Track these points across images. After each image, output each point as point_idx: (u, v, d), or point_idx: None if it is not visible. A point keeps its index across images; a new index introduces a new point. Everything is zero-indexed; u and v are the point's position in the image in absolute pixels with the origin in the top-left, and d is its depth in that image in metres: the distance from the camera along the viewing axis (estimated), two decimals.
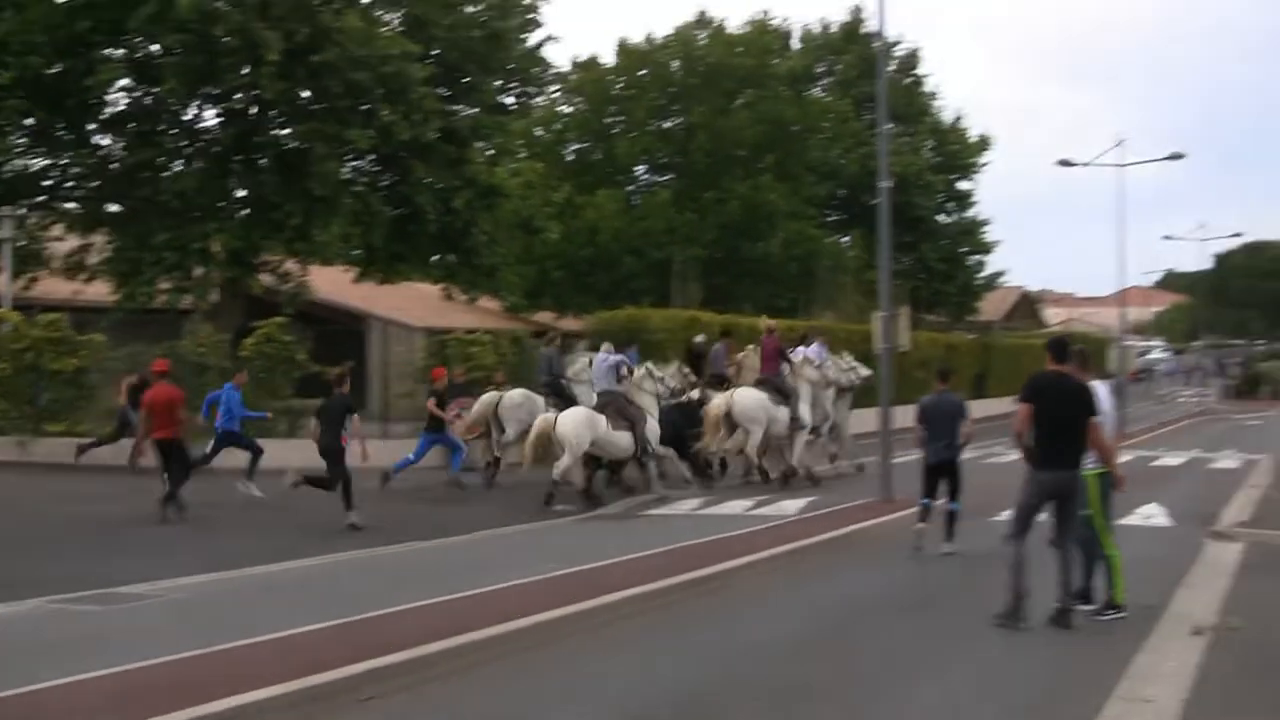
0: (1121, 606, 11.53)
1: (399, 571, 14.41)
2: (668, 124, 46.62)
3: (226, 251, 30.04)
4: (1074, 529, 11.38)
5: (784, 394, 23.63)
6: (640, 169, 47.97)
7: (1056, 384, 11.38)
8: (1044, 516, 11.41)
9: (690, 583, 13.13)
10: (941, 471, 15.82)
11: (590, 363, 23.13)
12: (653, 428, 21.86)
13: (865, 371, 25.36)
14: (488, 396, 24.59)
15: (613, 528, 18.76)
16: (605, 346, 23.04)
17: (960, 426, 15.76)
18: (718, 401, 22.94)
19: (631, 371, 22.17)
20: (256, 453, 21.71)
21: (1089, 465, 11.50)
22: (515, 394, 24.26)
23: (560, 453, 20.60)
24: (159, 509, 18.19)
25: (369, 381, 31.08)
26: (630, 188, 47.28)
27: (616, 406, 21.50)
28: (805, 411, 23.80)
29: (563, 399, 23.45)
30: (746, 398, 22.99)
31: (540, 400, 23.87)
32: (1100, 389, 11.76)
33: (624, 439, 21.40)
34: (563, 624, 11.08)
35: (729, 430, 22.82)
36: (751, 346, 25.61)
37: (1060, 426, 11.20)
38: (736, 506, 20.41)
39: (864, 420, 36.60)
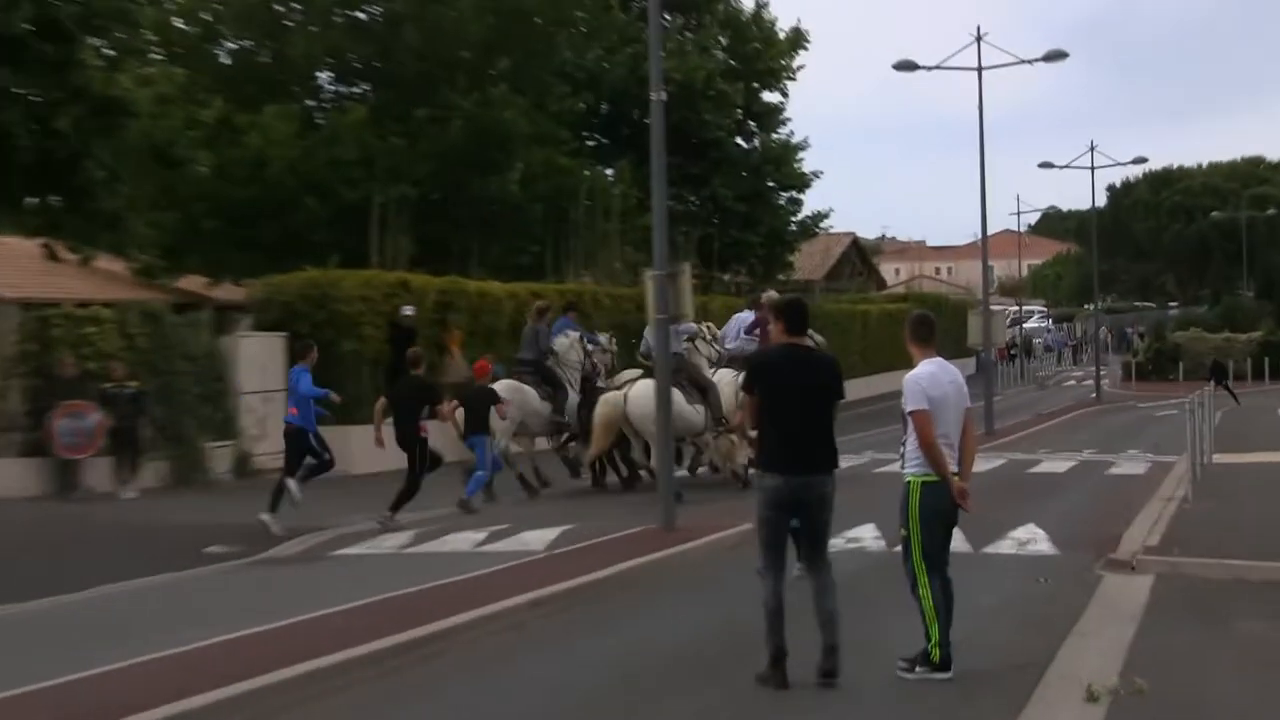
0: (941, 663, 11.69)
1: None
2: (362, 14, 46.06)
3: None
4: (823, 548, 11.75)
5: None
6: (325, 77, 47.33)
7: (788, 360, 11.72)
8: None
9: (398, 649, 12.96)
10: None
11: (581, 339, 27.67)
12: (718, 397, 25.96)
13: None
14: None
15: (288, 575, 18.63)
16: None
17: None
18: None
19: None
20: (325, 463, 22.25)
21: (911, 469, 11.72)
22: (502, 386, 26.01)
23: (632, 437, 25.22)
24: None
25: None
26: (311, 103, 46.58)
27: (688, 374, 25.57)
28: None
29: (552, 385, 26.76)
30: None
31: (531, 390, 26.41)
32: (940, 369, 11.86)
33: (698, 412, 25.46)
34: (211, 714, 10.79)
35: None
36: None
37: (793, 416, 11.48)
38: (463, 541, 20.48)
39: None
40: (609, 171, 54.22)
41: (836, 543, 19.49)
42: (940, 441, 11.55)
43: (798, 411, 11.46)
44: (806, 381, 11.57)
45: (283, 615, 14.33)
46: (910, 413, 11.57)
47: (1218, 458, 30.41)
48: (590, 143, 55.91)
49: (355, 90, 46.89)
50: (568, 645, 13.81)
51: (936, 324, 12.42)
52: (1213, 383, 61.20)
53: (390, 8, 44.82)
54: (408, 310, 31.83)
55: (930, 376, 11.69)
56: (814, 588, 11.58)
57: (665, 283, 21.05)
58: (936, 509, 11.65)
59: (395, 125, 43.08)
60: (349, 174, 41.57)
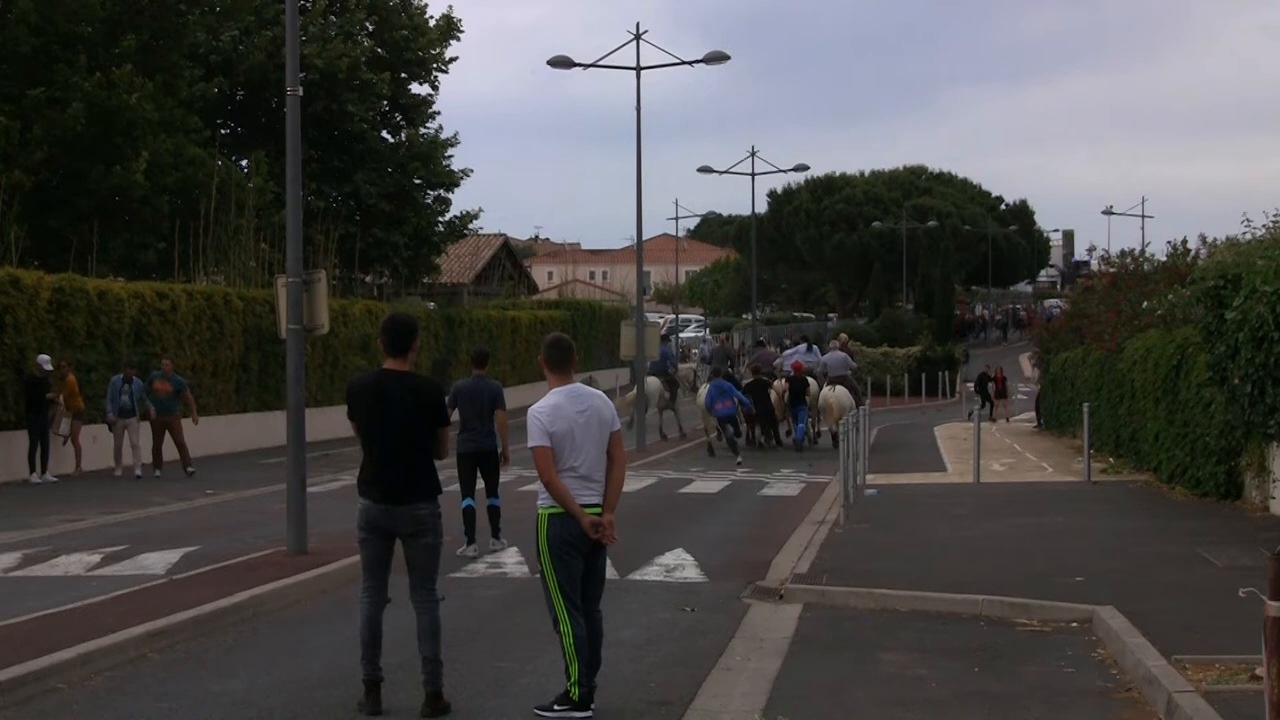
0: (579, 703, 11.68)
1: None
2: None
3: None
4: (427, 581, 11.96)
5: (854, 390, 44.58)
6: None
7: (381, 386, 12.00)
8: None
9: None
10: (479, 461, 20.74)
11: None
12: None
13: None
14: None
15: None
16: (842, 336, 49.46)
17: (498, 414, 20.70)
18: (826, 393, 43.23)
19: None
20: None
21: (541, 500, 11.81)
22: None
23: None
24: None
25: None
26: None
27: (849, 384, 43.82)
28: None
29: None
30: (844, 395, 42.55)
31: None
32: (568, 400, 11.80)
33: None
34: None
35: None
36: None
37: (385, 443, 11.90)
38: (76, 563, 19.93)
39: (265, 427, 36.68)
40: (244, 163, 53.41)
41: (477, 568, 19.60)
42: (569, 475, 11.67)
43: (390, 439, 11.82)
44: (399, 408, 11.81)
45: None
46: (530, 449, 11.72)
47: (871, 478, 31.07)
48: (224, 131, 54.93)
49: None
50: (190, 683, 13.40)
51: (574, 347, 12.33)
52: (980, 397, 63.13)
53: None
54: (44, 360, 30.99)
55: (553, 410, 11.78)
56: (417, 627, 11.80)
57: (299, 289, 20.45)
58: (568, 541, 11.69)
59: (7, 105, 41.86)
60: None
